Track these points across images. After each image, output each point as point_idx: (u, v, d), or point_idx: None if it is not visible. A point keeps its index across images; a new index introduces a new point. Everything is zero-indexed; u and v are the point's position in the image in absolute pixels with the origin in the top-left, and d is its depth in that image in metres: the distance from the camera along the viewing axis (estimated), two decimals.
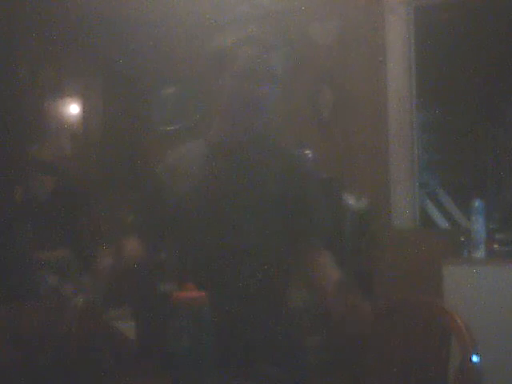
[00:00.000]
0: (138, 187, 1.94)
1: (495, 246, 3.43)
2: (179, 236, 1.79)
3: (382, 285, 3.88)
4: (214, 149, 1.86)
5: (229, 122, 1.87)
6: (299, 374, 1.80)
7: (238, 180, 1.80)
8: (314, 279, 1.82)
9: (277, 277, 1.85)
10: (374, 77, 4.06)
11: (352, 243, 3.86)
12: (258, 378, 1.54)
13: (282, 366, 1.62)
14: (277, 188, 1.80)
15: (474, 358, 1.68)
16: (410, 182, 4.01)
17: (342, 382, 1.94)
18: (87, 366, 1.93)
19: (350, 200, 3.86)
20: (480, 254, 3.38)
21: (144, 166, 3.61)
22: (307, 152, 3.85)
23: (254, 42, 1.83)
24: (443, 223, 4.21)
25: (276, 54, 1.85)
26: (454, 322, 1.78)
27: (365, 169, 4.03)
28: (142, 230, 1.85)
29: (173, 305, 1.47)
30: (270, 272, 1.82)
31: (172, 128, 4.13)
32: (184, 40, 4.19)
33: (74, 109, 4.57)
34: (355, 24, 4.10)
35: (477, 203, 3.43)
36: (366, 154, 4.05)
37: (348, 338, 1.64)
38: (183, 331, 1.45)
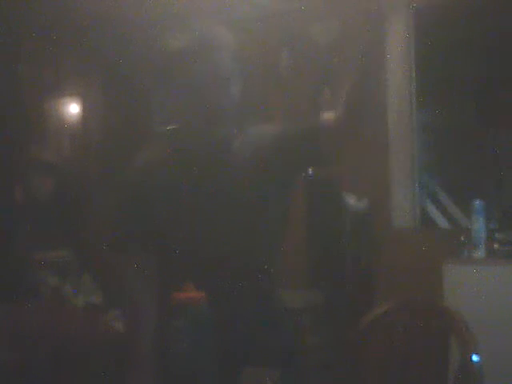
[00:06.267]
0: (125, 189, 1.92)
1: (495, 245, 3.43)
2: (175, 236, 1.79)
3: (382, 285, 3.88)
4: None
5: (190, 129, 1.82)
6: (298, 374, 1.80)
7: (217, 182, 1.79)
8: None
9: (275, 277, 1.85)
10: (373, 77, 4.06)
11: (352, 243, 3.86)
12: (257, 378, 1.54)
13: (281, 367, 1.62)
14: (256, 188, 1.78)
15: (474, 358, 1.68)
16: (410, 182, 4.02)
17: (342, 382, 1.94)
18: (87, 366, 1.93)
19: (350, 200, 3.86)
20: (480, 253, 3.38)
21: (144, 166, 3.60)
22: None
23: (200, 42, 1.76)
24: (443, 223, 4.21)
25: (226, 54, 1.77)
26: (454, 321, 1.78)
27: (365, 169, 4.03)
28: (134, 232, 1.84)
29: (172, 305, 1.47)
30: (269, 272, 1.82)
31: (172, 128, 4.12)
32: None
33: (73, 109, 4.57)
34: (355, 24, 4.10)
35: (477, 203, 3.43)
36: (366, 153, 4.05)
37: None
38: (182, 331, 1.44)
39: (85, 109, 4.57)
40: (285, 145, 1.79)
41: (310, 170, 3.88)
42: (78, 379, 1.90)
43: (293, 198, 1.88)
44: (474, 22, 3.94)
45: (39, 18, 4.11)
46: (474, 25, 3.95)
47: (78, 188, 4.16)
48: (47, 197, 3.80)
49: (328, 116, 1.78)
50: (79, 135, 4.58)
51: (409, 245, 3.87)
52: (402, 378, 1.87)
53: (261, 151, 1.82)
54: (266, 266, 1.81)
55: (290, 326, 1.88)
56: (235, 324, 1.72)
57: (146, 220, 1.80)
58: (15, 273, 3.43)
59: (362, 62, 1.87)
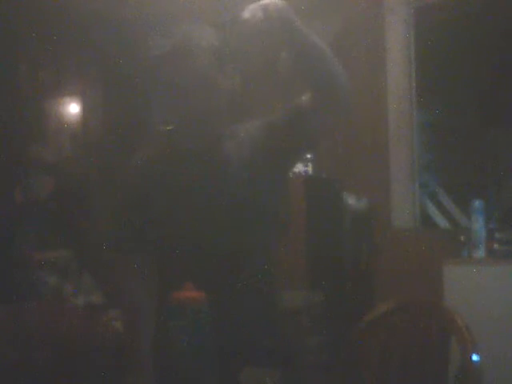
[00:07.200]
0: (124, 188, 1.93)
1: (495, 245, 3.43)
2: (175, 236, 1.79)
3: (382, 285, 3.88)
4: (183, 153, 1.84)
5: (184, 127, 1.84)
6: (298, 374, 1.80)
7: (212, 182, 1.79)
8: None
9: (276, 276, 1.85)
10: (373, 77, 4.06)
11: (352, 243, 3.86)
12: (256, 378, 1.54)
13: (281, 367, 1.62)
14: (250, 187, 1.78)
15: (474, 358, 1.68)
16: (410, 182, 4.02)
17: (342, 382, 1.94)
18: (87, 366, 1.93)
19: (350, 200, 3.86)
20: (480, 253, 3.38)
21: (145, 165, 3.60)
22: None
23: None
24: (443, 223, 4.20)
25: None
26: (454, 322, 1.78)
27: (365, 169, 4.03)
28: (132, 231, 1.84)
29: (172, 305, 1.47)
30: (269, 271, 1.82)
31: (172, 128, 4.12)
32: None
33: (73, 109, 4.57)
34: (355, 24, 4.10)
35: (477, 203, 3.43)
36: (366, 154, 4.05)
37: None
38: (182, 331, 1.44)
39: (85, 108, 4.56)
40: (279, 139, 1.79)
41: (310, 169, 3.89)
42: (77, 379, 1.90)
43: (293, 197, 1.89)
44: (474, 21, 3.94)
45: (39, 17, 4.11)
46: (474, 24, 3.95)
47: (78, 188, 4.16)
48: (47, 197, 3.80)
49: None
50: (79, 134, 4.57)
51: (409, 245, 3.87)
52: (402, 379, 1.87)
53: (257, 148, 1.82)
54: (265, 266, 1.81)
55: (290, 326, 1.88)
56: (235, 324, 1.72)
57: (146, 220, 1.80)
58: (15, 273, 3.43)
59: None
